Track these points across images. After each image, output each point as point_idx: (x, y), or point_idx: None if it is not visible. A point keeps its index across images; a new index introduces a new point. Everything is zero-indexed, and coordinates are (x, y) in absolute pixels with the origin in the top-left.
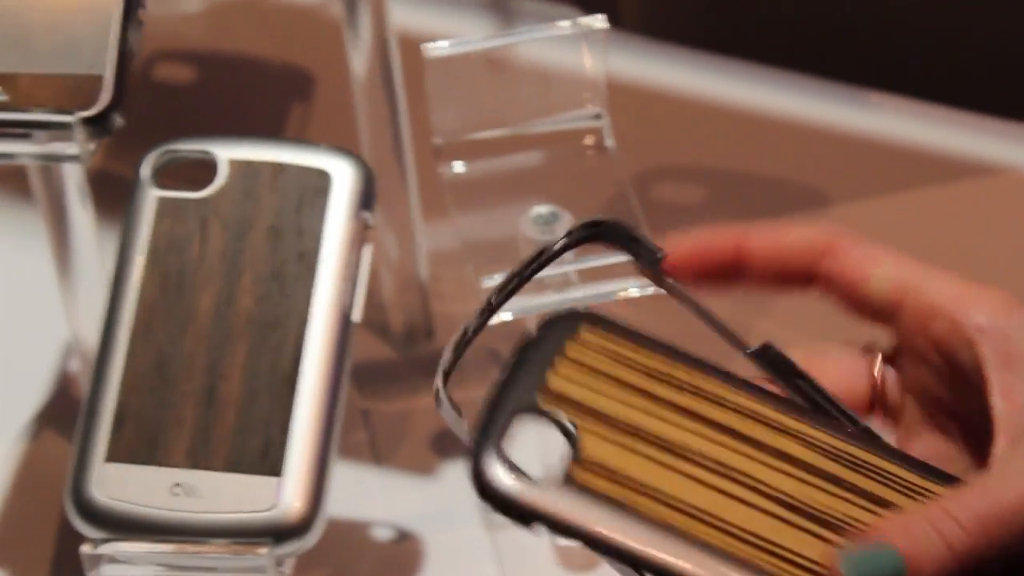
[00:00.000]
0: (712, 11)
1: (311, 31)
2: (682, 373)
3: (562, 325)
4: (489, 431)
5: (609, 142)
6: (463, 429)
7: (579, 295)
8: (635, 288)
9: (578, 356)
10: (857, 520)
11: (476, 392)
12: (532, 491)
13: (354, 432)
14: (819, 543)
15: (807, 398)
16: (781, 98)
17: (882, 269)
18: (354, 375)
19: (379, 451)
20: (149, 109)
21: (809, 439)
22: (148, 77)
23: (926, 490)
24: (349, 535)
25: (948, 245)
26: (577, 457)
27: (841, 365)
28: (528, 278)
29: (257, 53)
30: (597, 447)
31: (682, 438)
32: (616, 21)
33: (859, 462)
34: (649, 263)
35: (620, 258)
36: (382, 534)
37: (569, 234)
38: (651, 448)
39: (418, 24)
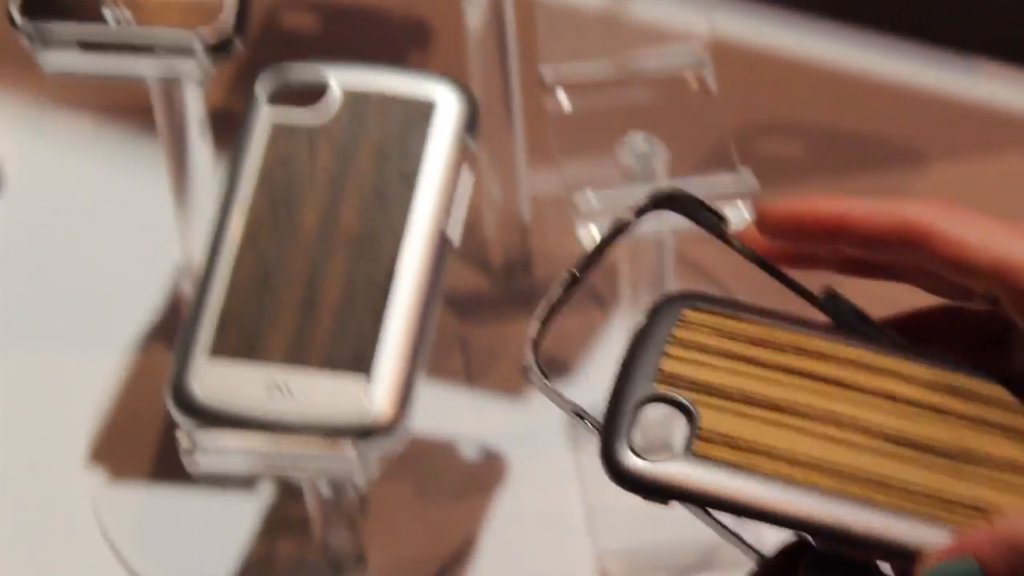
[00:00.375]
0: None
1: None
2: (781, 334)
3: (667, 309)
4: (615, 422)
5: (711, 84)
6: (556, 397)
7: (670, 223)
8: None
9: (686, 336)
10: (965, 445)
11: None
12: (663, 470)
13: (451, 357)
14: (933, 472)
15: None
16: (885, 61)
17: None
18: (453, 305)
19: (473, 375)
20: (272, 57)
21: (907, 375)
22: (272, 27)
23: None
24: (438, 451)
25: None
26: (697, 432)
27: None
28: (603, 250)
29: (378, 5)
30: (714, 419)
31: (791, 396)
32: None
33: (957, 388)
34: (718, 232)
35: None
36: (470, 452)
37: (640, 207)
38: (764, 411)
39: None
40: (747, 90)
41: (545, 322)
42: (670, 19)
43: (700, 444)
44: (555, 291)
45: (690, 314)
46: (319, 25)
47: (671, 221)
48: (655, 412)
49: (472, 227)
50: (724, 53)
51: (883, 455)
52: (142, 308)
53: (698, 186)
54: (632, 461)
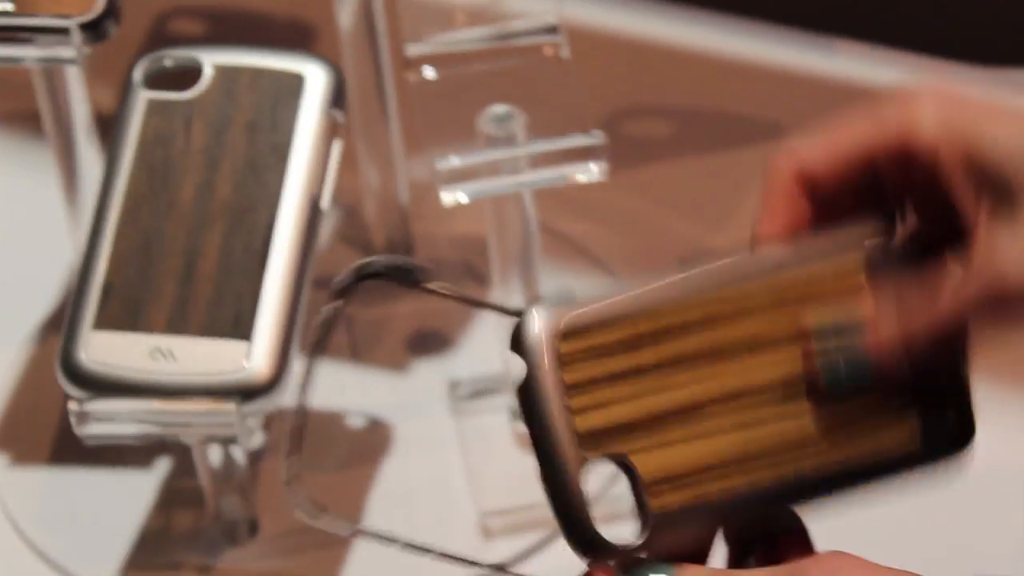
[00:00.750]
0: None
1: None
2: (643, 324)
3: (536, 350)
4: (571, 517)
5: (565, 53)
6: (315, 516)
7: (529, 179)
8: (582, 174)
9: (577, 379)
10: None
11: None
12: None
13: (336, 335)
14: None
15: None
16: (745, 43)
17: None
18: (330, 282)
19: (358, 352)
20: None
21: (763, 304)
22: (160, 33)
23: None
24: (327, 423)
25: None
26: (642, 487)
27: None
28: (319, 344)
29: (263, 10)
30: (647, 463)
31: (686, 394)
32: None
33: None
34: (415, 284)
35: (570, 143)
36: (356, 422)
37: (342, 286)
38: (679, 427)
39: None
40: (610, 74)
41: (293, 455)
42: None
43: (653, 500)
44: (296, 410)
45: (564, 348)
46: (206, 30)
47: (530, 179)
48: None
49: (353, 213)
50: (584, 38)
51: (789, 416)
52: (38, 302)
53: (553, 146)
54: (609, 551)
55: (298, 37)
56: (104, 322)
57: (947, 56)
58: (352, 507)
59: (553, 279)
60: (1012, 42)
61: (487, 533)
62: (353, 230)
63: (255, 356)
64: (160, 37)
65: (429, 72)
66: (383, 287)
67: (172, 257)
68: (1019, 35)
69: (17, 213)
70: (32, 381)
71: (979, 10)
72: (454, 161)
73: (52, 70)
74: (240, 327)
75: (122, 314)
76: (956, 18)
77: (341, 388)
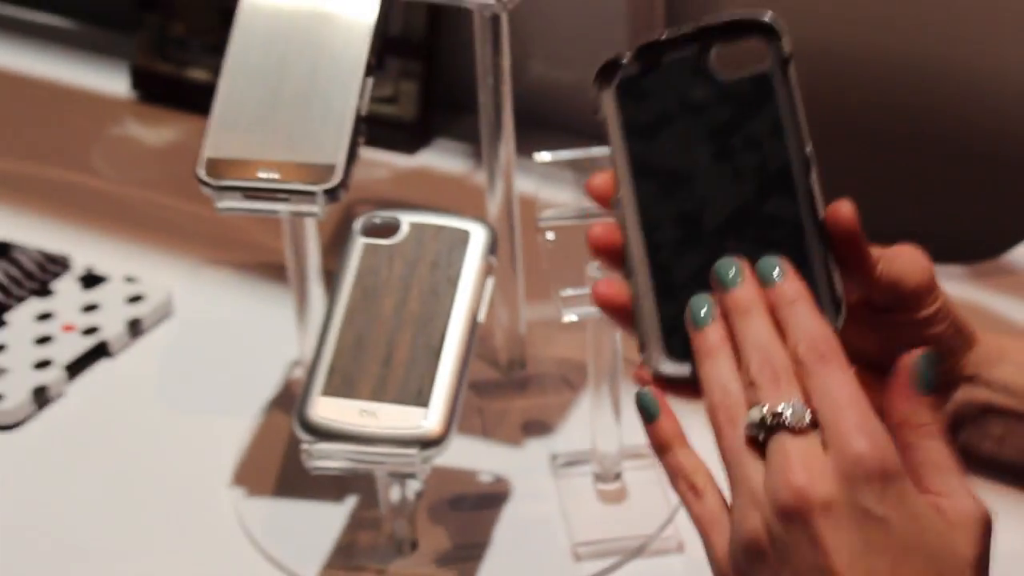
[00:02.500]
0: None
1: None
2: None
3: None
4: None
5: None
6: None
7: None
8: None
9: None
10: None
11: None
12: None
13: (473, 420)
14: None
15: None
16: None
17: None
18: (475, 387)
19: (488, 432)
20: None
21: None
22: (348, 218)
23: None
24: (465, 479)
25: None
26: None
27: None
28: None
29: (420, 202)
30: None
31: None
32: None
33: None
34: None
35: None
36: (486, 479)
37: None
38: None
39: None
40: None
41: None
42: None
43: None
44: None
45: None
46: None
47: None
48: None
49: (487, 339)
50: None
51: None
52: (265, 387)
53: None
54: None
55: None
56: (328, 390)
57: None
58: (481, 538)
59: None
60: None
61: (576, 557)
62: (486, 351)
63: (431, 418)
64: (347, 221)
65: (551, 237)
66: (505, 390)
67: (376, 349)
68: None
69: (248, 329)
70: (263, 440)
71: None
72: (570, 291)
73: (296, 223)
74: (421, 398)
75: (341, 386)
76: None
77: (476, 456)
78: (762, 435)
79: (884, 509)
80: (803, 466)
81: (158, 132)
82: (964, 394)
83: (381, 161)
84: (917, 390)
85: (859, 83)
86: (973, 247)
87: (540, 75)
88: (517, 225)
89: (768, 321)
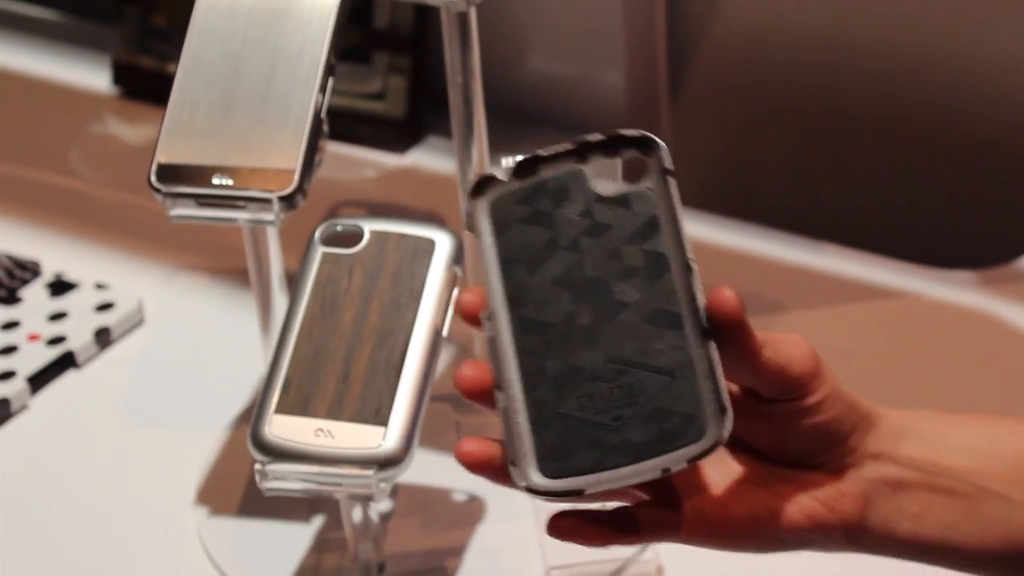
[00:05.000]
0: None
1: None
2: None
3: None
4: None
5: None
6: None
7: None
8: None
9: None
10: None
11: None
12: None
13: (448, 434)
14: None
15: None
16: (747, 240)
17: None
18: (450, 399)
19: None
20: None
21: None
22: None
23: None
24: (438, 497)
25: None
26: None
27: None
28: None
29: (409, 203)
30: None
31: None
32: None
33: None
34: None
35: None
36: (458, 497)
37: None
38: None
39: None
40: None
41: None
42: None
43: None
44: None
45: None
46: (365, 215)
47: None
48: None
49: (465, 350)
50: None
51: None
52: (236, 400)
53: None
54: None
55: (433, 221)
56: (283, 408)
57: (919, 261)
58: (452, 562)
59: None
60: (976, 247)
61: None
62: (463, 356)
63: (389, 438)
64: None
65: None
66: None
67: (333, 364)
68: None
69: (221, 340)
70: (228, 456)
71: (946, 221)
72: None
73: (256, 231)
74: (379, 416)
75: (296, 403)
76: (928, 227)
77: (448, 472)
78: None
79: None
80: None
81: (139, 130)
82: (872, 471)
83: (369, 160)
84: None
85: (872, 84)
86: (984, 252)
87: (537, 69)
88: None
89: None
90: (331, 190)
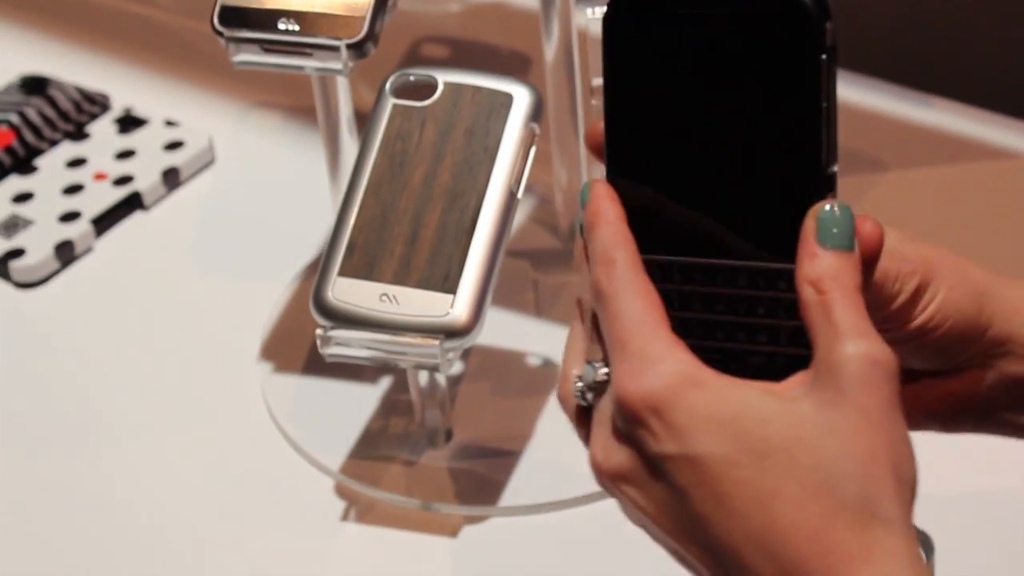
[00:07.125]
0: None
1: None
2: None
3: None
4: None
5: None
6: None
7: None
8: None
9: None
10: None
11: None
12: None
13: (525, 294)
14: None
15: None
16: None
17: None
18: (530, 256)
19: (541, 308)
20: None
21: None
22: (412, 55)
23: None
24: (512, 361)
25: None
26: None
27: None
28: None
29: (494, 42)
30: None
31: None
32: None
33: None
34: None
35: None
36: (532, 361)
37: None
38: None
39: None
40: None
41: None
42: None
43: None
44: None
45: None
46: (448, 53)
47: None
48: None
49: (546, 202)
50: None
51: None
52: (305, 252)
53: None
54: None
55: (518, 64)
56: (347, 270)
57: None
58: (524, 426)
59: None
60: None
61: None
62: (545, 215)
63: (457, 306)
64: (411, 57)
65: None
66: (564, 261)
67: (401, 225)
68: None
69: (296, 180)
70: (295, 310)
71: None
72: None
73: (325, 79)
74: (448, 283)
75: (361, 265)
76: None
77: (525, 335)
78: (585, 401)
79: (669, 446)
80: (597, 434)
81: None
82: (997, 372)
83: None
84: (822, 245)
85: None
86: None
87: None
88: (578, 74)
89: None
90: (412, 22)
